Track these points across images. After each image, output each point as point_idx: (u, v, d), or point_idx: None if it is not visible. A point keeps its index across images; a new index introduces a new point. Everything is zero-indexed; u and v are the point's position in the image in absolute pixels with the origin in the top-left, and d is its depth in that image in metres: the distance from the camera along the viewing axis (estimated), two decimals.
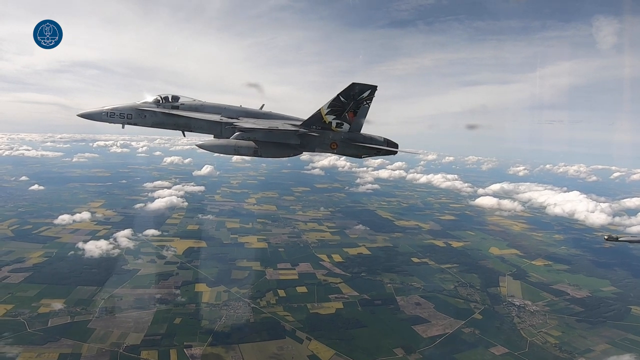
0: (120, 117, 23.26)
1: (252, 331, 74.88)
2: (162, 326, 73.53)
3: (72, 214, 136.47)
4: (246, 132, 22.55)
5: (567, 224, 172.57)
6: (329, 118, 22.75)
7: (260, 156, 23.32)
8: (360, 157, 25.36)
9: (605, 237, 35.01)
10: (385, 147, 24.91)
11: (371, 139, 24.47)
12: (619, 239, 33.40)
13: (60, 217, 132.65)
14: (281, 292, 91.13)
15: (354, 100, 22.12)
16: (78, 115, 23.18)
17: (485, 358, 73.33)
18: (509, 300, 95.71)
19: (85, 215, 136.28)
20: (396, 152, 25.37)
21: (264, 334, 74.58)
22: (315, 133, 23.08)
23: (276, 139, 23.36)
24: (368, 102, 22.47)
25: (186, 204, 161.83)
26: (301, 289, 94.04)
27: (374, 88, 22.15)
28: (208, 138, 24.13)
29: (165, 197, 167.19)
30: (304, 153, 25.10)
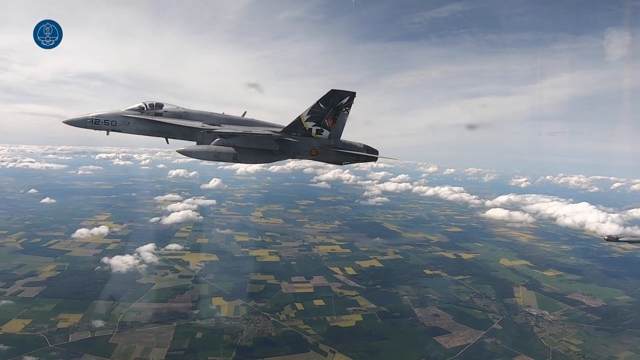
0: (104, 124, 23.39)
1: (275, 345, 73.83)
2: (185, 341, 72.33)
3: (80, 227, 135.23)
4: (224, 138, 23.13)
5: (573, 235, 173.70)
6: (309, 125, 22.67)
7: (240, 162, 23.72)
8: (341, 164, 25.38)
9: (606, 237, 35.36)
10: (365, 154, 24.95)
11: (351, 146, 24.59)
12: (619, 239, 33.81)
13: (69, 230, 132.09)
14: (299, 306, 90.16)
15: (333, 107, 22.20)
16: (64, 122, 23.35)
17: None
18: (526, 310, 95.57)
19: (94, 228, 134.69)
20: (376, 158, 25.36)
21: (287, 347, 73.47)
22: (292, 139, 23.24)
23: (254, 145, 23.69)
24: (347, 108, 22.59)
25: (201, 217, 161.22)
26: (318, 302, 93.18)
27: (352, 94, 22.28)
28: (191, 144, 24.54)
29: (180, 210, 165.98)
30: (288, 160, 25.79)
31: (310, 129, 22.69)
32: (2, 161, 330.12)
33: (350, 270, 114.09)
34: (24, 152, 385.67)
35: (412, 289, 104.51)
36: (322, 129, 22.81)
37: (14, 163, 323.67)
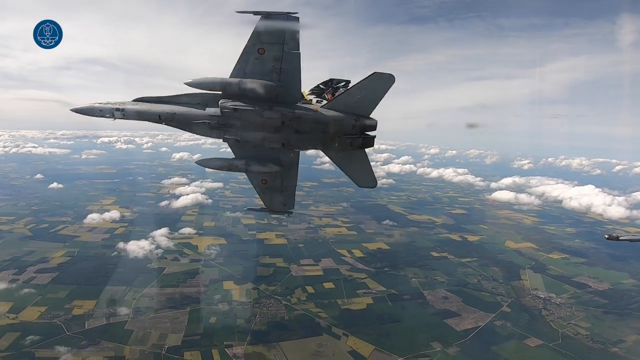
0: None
1: (288, 329, 74.29)
2: (199, 326, 72.65)
3: (87, 212, 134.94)
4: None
5: (577, 217, 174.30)
6: (310, 97, 20.56)
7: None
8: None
9: (606, 236, 35.40)
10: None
11: None
12: (620, 238, 33.76)
13: (76, 215, 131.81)
14: (309, 289, 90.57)
15: (332, 87, 20.55)
16: (71, 110, 21.30)
17: (522, 349, 74.01)
18: (534, 293, 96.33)
19: (100, 213, 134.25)
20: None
21: (301, 331, 74.02)
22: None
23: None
24: (344, 89, 20.48)
25: (210, 200, 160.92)
26: (328, 285, 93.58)
27: (347, 82, 20.69)
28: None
29: (189, 194, 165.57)
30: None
31: (311, 100, 20.29)
32: (5, 147, 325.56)
33: (357, 253, 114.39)
34: (25, 137, 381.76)
35: (420, 272, 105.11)
36: (322, 100, 20.49)
37: (16, 149, 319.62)
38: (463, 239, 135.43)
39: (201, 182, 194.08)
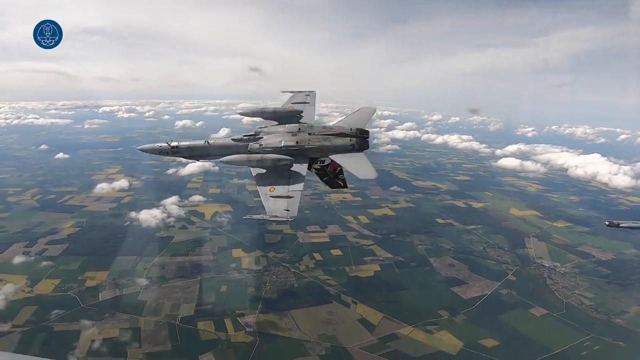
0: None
1: (298, 297, 75.05)
2: (211, 295, 73.08)
3: (92, 181, 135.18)
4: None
5: (581, 186, 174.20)
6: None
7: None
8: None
9: (607, 223, 34.97)
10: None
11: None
12: (620, 225, 33.31)
13: (82, 185, 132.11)
14: (317, 256, 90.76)
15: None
16: (138, 149, 23.44)
17: (528, 318, 74.90)
18: (538, 261, 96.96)
19: (108, 182, 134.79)
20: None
21: (311, 299, 74.64)
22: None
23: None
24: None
25: (217, 168, 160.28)
26: (336, 252, 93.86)
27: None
28: None
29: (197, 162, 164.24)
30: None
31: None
32: (6, 119, 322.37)
33: (363, 219, 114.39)
34: (25, 109, 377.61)
35: (426, 238, 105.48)
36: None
37: (18, 120, 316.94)
38: (468, 205, 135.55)
39: None
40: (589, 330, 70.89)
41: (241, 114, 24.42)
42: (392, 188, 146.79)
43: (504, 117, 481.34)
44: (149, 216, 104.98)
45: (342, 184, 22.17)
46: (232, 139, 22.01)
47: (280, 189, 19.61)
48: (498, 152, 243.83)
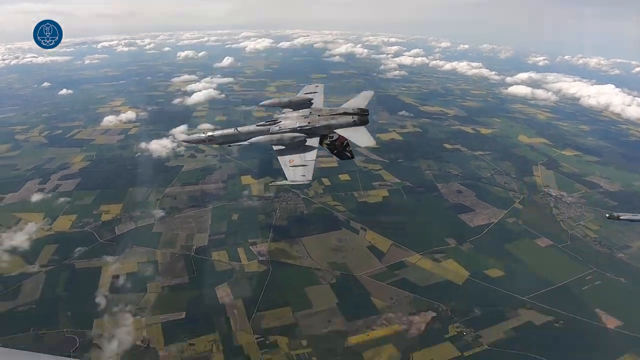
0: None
1: (308, 223, 75.18)
2: (222, 224, 73.23)
3: (97, 115, 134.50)
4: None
5: (592, 116, 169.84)
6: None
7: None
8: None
9: (607, 215, 33.89)
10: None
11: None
12: (620, 218, 32.30)
13: (87, 119, 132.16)
14: (325, 181, 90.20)
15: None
16: (182, 141, 31.32)
17: (532, 248, 75.01)
18: (545, 190, 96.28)
19: (113, 114, 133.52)
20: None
21: (320, 226, 74.93)
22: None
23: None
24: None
25: (223, 95, 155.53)
26: (344, 177, 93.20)
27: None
28: None
29: (202, 90, 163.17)
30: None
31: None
32: (4, 59, 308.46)
33: None
34: (22, 49, 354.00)
35: (433, 164, 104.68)
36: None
37: (16, 60, 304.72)
38: (476, 131, 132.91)
39: (211, 77, 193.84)
40: (592, 264, 70.26)
41: (262, 105, 30.88)
42: (400, 113, 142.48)
43: (515, 46, 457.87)
44: (158, 146, 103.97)
45: (349, 155, 25.71)
46: (257, 125, 26.24)
47: (297, 159, 23.38)
48: (508, 79, 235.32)
